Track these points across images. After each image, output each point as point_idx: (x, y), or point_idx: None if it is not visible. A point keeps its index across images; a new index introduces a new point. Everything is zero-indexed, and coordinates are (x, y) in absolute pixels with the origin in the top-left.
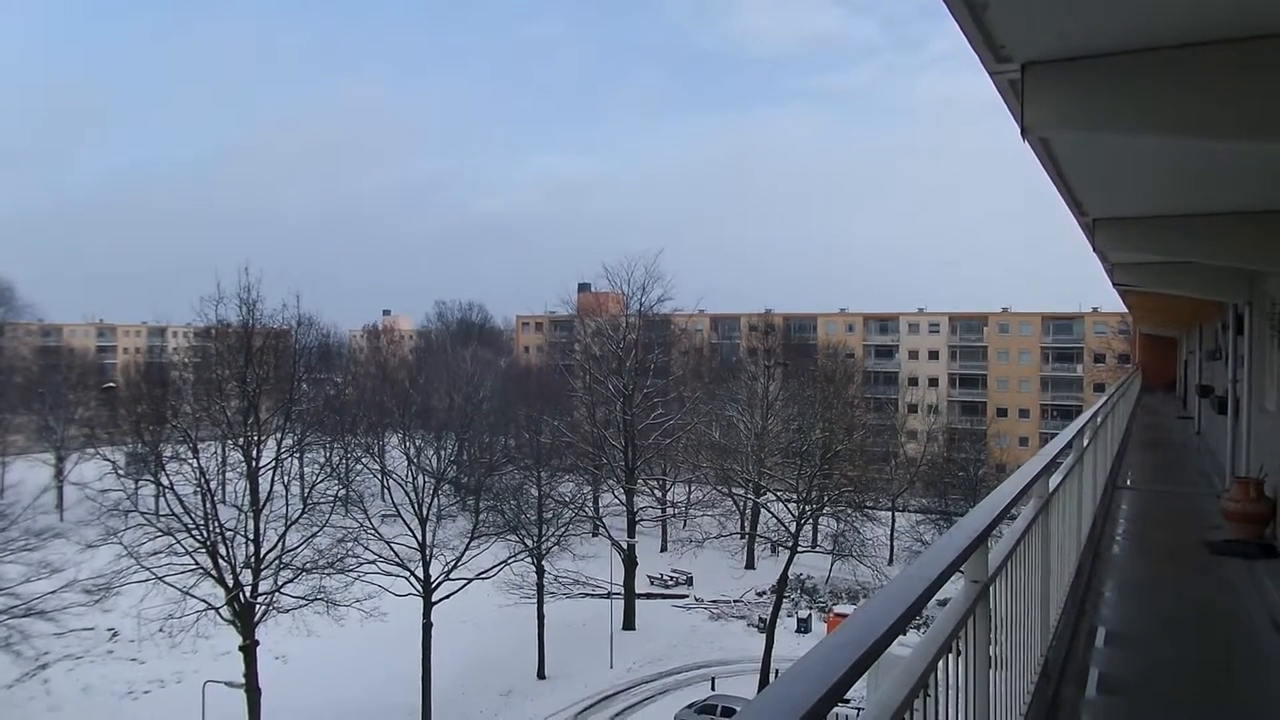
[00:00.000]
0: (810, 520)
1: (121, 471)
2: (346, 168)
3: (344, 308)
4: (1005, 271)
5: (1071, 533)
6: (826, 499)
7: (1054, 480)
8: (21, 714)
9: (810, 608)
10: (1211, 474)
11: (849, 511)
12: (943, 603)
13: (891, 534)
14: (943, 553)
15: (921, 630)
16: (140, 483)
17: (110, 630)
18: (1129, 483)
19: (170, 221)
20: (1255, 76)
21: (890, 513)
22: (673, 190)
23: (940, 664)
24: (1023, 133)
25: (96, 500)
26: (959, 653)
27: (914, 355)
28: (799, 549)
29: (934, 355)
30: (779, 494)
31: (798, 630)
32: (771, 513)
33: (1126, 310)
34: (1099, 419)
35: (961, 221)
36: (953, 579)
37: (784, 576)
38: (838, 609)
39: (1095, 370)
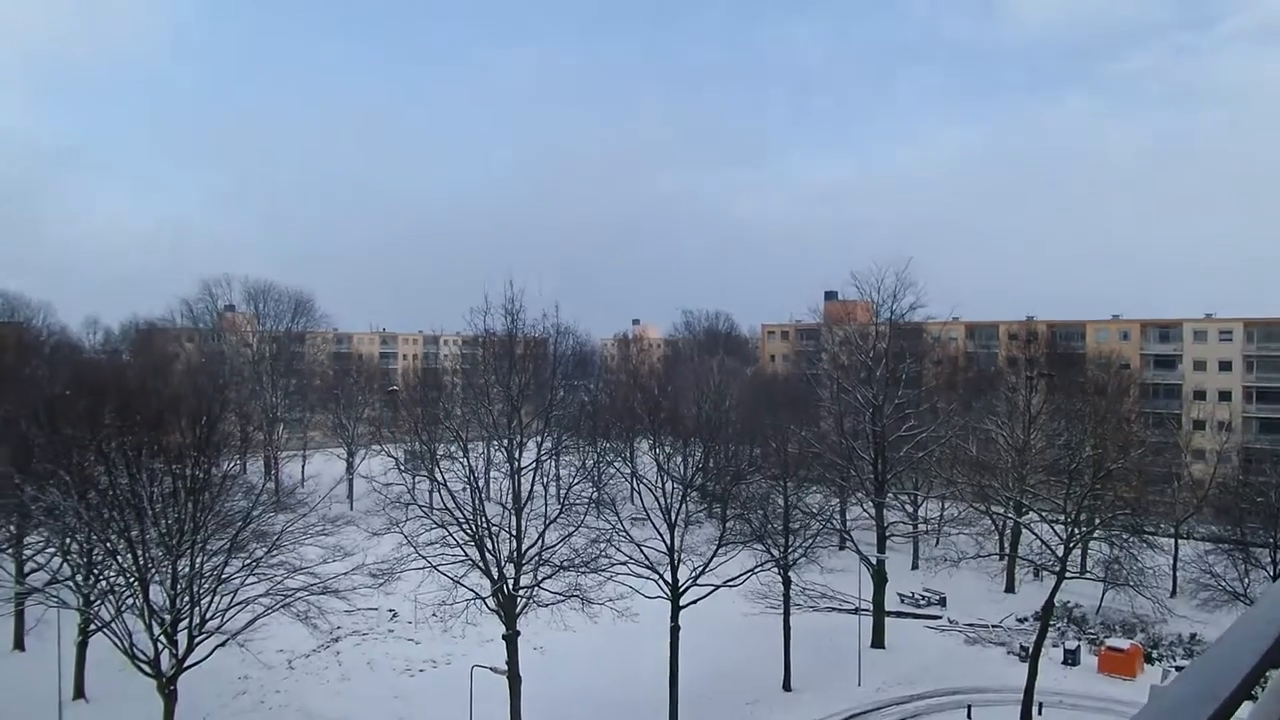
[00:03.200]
0: (1079, 544)
1: (402, 467)
2: (608, 184)
3: (597, 317)
4: None
5: None
6: (1098, 521)
7: None
8: (319, 681)
9: (1079, 639)
10: None
11: (1124, 536)
12: None
13: (1174, 563)
14: (1252, 634)
15: None
16: (418, 478)
17: (391, 611)
18: None
19: (452, 238)
20: None
21: (1173, 539)
22: (927, 192)
23: None
24: None
25: (381, 493)
26: None
27: (1200, 366)
28: (1066, 574)
29: (1225, 366)
30: (1043, 514)
31: (1064, 662)
32: (1035, 534)
33: None
34: None
35: (1265, 218)
36: None
37: (1049, 603)
38: (1110, 642)
39: None
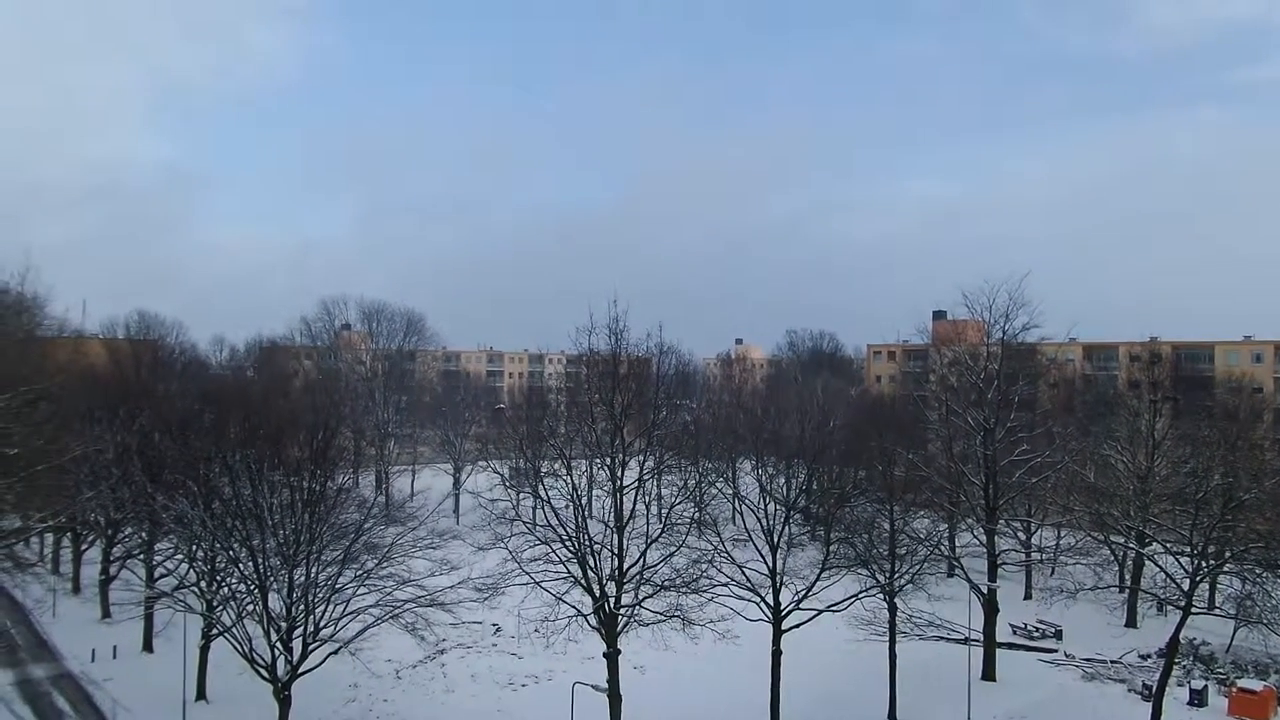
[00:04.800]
0: (1207, 578)
1: (507, 483)
2: (716, 205)
3: (700, 336)
4: None
5: None
6: (1229, 554)
7: None
8: (424, 691)
9: (1206, 678)
10: None
11: (1258, 571)
12: None
13: None
14: None
15: None
16: (522, 494)
17: (495, 626)
18: None
19: (560, 259)
20: None
21: None
22: (1047, 209)
23: None
24: None
25: (487, 508)
26: None
27: None
28: (1193, 610)
29: None
30: (1168, 545)
31: (1190, 703)
32: (1159, 565)
33: None
34: None
35: None
36: None
37: (1174, 640)
38: (1242, 683)
39: None
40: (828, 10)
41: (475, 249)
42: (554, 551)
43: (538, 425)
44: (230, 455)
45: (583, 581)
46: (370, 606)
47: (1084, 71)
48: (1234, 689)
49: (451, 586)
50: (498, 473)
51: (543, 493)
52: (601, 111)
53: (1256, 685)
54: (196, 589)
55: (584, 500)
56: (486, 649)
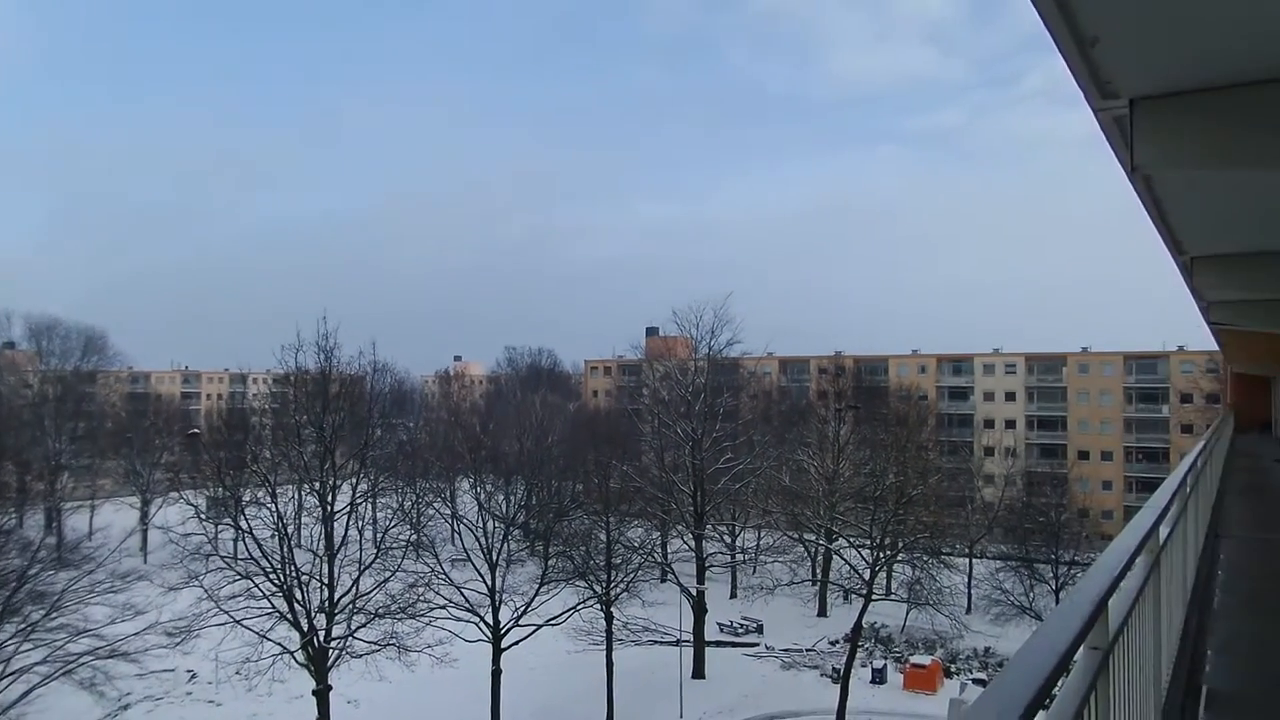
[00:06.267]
0: (884, 567)
1: (203, 515)
2: (454, 225)
3: (419, 354)
4: (1087, 312)
5: (1179, 588)
6: (901, 545)
7: (1162, 532)
8: None
9: (885, 657)
10: None
11: (924, 558)
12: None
13: (969, 581)
14: (1067, 620)
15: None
16: (221, 527)
17: (189, 672)
18: (1229, 532)
19: (267, 276)
20: None
21: (968, 559)
22: (749, 234)
23: None
24: (1130, 170)
25: (179, 544)
26: None
27: (989, 397)
28: (873, 597)
29: (1010, 397)
30: (851, 540)
31: (872, 681)
32: (844, 559)
33: (1217, 348)
34: (1199, 464)
35: (1045, 262)
36: None
37: (858, 625)
38: (914, 659)
39: (1183, 411)
40: (566, 34)
41: (177, 264)
42: (257, 586)
43: (239, 450)
44: None
45: (289, 616)
46: (37, 664)
47: (787, 111)
48: (907, 665)
49: (137, 633)
50: (192, 504)
51: (244, 523)
52: (334, 125)
53: (926, 660)
54: None
55: (291, 529)
56: (180, 699)
